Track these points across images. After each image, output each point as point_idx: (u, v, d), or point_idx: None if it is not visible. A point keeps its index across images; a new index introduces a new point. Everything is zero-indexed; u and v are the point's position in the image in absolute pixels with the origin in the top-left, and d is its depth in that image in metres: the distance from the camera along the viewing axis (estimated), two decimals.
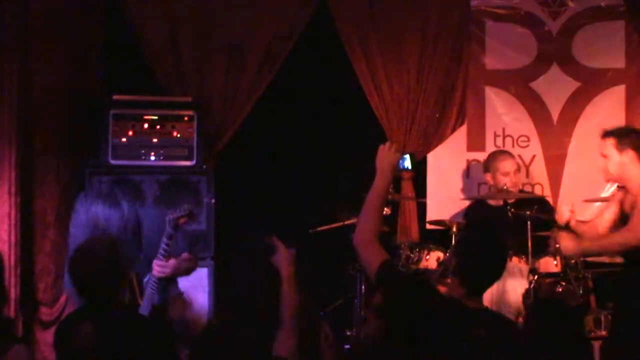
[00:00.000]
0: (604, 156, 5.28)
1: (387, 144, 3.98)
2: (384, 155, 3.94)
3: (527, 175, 7.04)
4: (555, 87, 7.04)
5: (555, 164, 7.02)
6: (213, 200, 6.41)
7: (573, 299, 5.93)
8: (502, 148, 6.98)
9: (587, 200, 6.69)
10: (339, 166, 7.18)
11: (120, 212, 5.22)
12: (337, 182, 7.15)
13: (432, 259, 6.25)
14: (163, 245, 4.92)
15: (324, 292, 6.77)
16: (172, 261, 5.02)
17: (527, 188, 6.96)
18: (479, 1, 7.12)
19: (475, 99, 7.13)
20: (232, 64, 6.96)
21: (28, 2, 6.09)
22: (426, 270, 6.12)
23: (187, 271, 5.25)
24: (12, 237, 5.87)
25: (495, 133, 7.11)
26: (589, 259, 6.04)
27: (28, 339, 6.04)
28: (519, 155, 6.95)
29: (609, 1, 6.99)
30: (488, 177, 6.59)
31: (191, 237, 5.41)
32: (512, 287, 5.94)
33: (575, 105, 7.01)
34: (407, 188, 7.01)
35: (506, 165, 6.49)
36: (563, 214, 5.43)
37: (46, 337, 6.18)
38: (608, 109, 6.97)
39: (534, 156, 7.07)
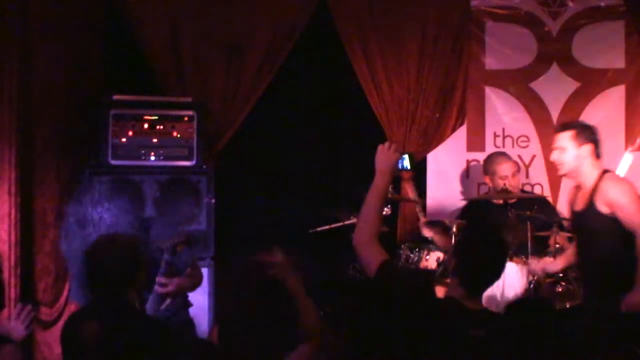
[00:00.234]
0: (561, 149, 5.25)
1: (387, 143, 3.98)
2: (384, 155, 3.94)
3: (527, 176, 7.04)
4: (555, 87, 7.05)
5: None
6: (213, 200, 6.41)
7: (573, 299, 5.93)
8: (502, 148, 6.98)
9: None
10: (339, 166, 7.18)
11: (124, 216, 5.22)
12: (337, 182, 7.15)
13: (432, 259, 6.25)
14: (163, 270, 4.92)
15: (324, 292, 6.77)
16: (175, 280, 5.00)
17: (527, 188, 6.96)
18: (479, 1, 7.12)
19: (475, 99, 7.14)
20: (232, 64, 6.96)
21: (28, 2, 6.08)
22: (426, 269, 6.12)
23: (192, 288, 5.24)
24: (12, 237, 5.86)
25: (495, 133, 7.11)
26: None
27: (28, 339, 6.03)
28: (519, 156, 6.96)
29: (609, 1, 6.99)
30: (487, 179, 6.60)
31: (191, 252, 5.39)
32: (512, 288, 5.94)
33: (575, 105, 7.01)
34: (407, 188, 7.02)
35: (504, 168, 6.48)
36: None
37: (46, 337, 6.18)
38: (608, 109, 6.97)
39: (533, 156, 7.07)
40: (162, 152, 6.41)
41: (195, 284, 5.25)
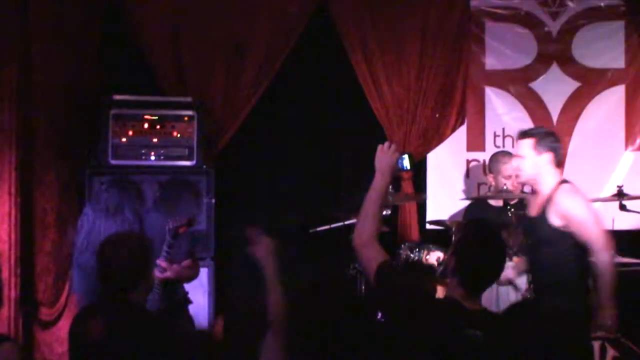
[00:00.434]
0: (520, 156, 5.22)
1: (386, 144, 3.98)
2: (383, 155, 3.94)
3: None
4: (555, 87, 7.05)
5: None
6: (213, 200, 6.42)
7: None
8: (502, 148, 6.97)
9: None
10: (339, 166, 7.18)
11: (124, 224, 5.23)
12: (337, 182, 7.15)
13: (432, 259, 6.25)
14: (164, 253, 4.96)
15: (324, 292, 6.76)
16: (175, 266, 5.05)
17: (527, 188, 6.94)
18: (479, 1, 7.12)
19: (475, 99, 7.14)
20: (232, 64, 6.96)
21: (28, 2, 6.08)
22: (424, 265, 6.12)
23: (189, 279, 5.27)
24: (12, 237, 5.86)
25: (495, 133, 7.11)
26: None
27: (28, 339, 6.04)
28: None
29: (609, 1, 6.99)
30: (490, 177, 6.59)
31: (192, 241, 5.42)
32: (512, 288, 5.94)
33: (575, 105, 7.01)
34: (407, 188, 7.02)
35: (508, 168, 6.47)
36: None
37: (46, 337, 6.18)
38: (608, 109, 6.98)
39: None
40: (162, 152, 6.41)
41: (192, 276, 5.28)
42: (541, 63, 7.07)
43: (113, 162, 6.32)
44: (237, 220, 7.02)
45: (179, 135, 6.45)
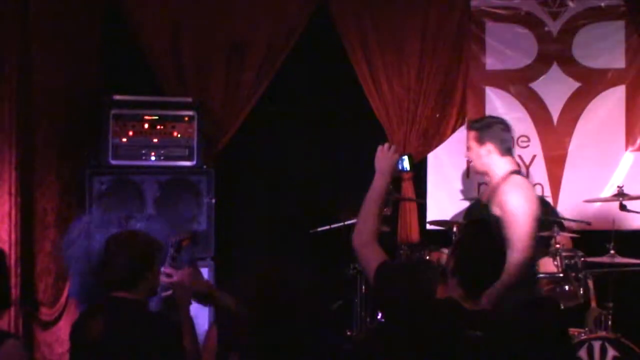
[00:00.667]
0: (468, 147, 5.31)
1: (386, 144, 3.99)
2: (383, 155, 3.95)
3: (527, 176, 7.03)
4: (555, 87, 7.04)
5: (555, 164, 7.02)
6: (213, 200, 6.42)
7: (573, 299, 5.93)
8: None
9: (587, 201, 6.69)
10: (339, 166, 7.18)
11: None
12: (337, 182, 7.15)
13: (432, 260, 6.24)
14: (167, 265, 4.94)
15: (324, 292, 6.77)
16: (180, 271, 5.02)
17: None
18: (479, 1, 7.11)
19: (475, 99, 7.13)
20: (232, 64, 6.96)
21: (28, 2, 6.08)
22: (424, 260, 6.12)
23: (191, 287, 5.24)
24: (12, 237, 5.87)
25: None
26: (590, 259, 6.04)
27: (28, 339, 6.04)
28: (519, 156, 6.94)
29: (609, 1, 6.98)
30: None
31: (193, 249, 5.40)
32: None
33: (575, 105, 7.00)
34: (407, 188, 7.02)
35: None
36: None
37: (46, 337, 6.18)
38: (608, 109, 6.97)
39: (534, 156, 7.06)
40: (162, 152, 6.42)
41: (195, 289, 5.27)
42: (541, 63, 7.06)
43: (113, 162, 6.32)
44: (237, 220, 7.04)
45: (179, 135, 6.45)
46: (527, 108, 7.09)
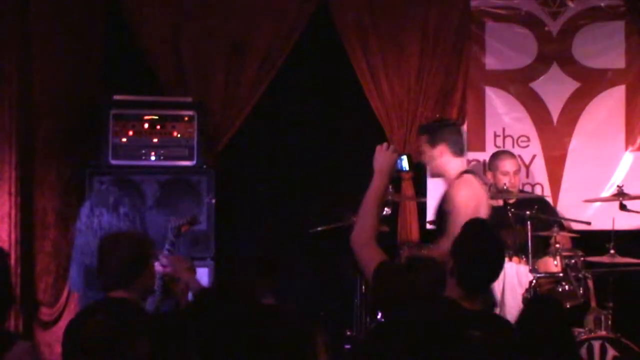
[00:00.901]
0: (421, 153, 5.50)
1: (385, 144, 3.99)
2: (382, 155, 3.95)
3: (527, 175, 7.04)
4: (555, 87, 7.04)
5: (555, 164, 7.02)
6: (213, 200, 6.42)
7: (573, 299, 5.93)
8: (502, 148, 6.98)
9: (587, 201, 6.69)
10: (339, 166, 7.18)
11: (126, 222, 5.23)
12: (337, 182, 7.14)
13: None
14: (165, 252, 4.95)
15: (324, 292, 6.78)
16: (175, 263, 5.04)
17: (527, 188, 6.96)
18: (479, 1, 7.11)
19: (475, 99, 7.13)
20: (233, 64, 6.96)
21: (28, 2, 6.09)
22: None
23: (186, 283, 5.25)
24: (12, 237, 5.88)
25: (495, 133, 7.11)
26: (590, 259, 6.05)
27: (28, 339, 6.04)
28: (519, 156, 6.95)
29: (609, 1, 6.98)
30: (489, 175, 6.62)
31: (192, 241, 5.42)
32: (512, 288, 5.94)
33: (575, 105, 7.00)
34: (407, 188, 7.03)
35: (506, 164, 6.50)
36: None
37: (46, 337, 6.18)
38: (608, 109, 6.97)
39: (534, 156, 7.06)
40: (162, 152, 6.42)
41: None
42: (541, 63, 7.06)
43: (113, 162, 6.32)
44: (237, 220, 7.04)
45: (179, 135, 6.45)
46: (527, 108, 7.09)
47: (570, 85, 7.02)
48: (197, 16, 6.93)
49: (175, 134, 6.45)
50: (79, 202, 6.25)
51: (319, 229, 6.53)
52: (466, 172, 5.39)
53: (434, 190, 7.14)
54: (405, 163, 4.15)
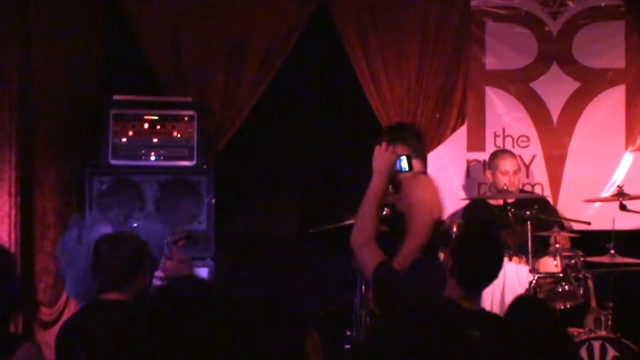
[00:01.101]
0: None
1: (384, 144, 3.99)
2: (381, 155, 3.95)
3: (527, 175, 7.04)
4: (555, 87, 7.03)
5: (555, 164, 7.01)
6: (213, 200, 6.42)
7: (573, 299, 5.93)
8: (502, 148, 6.98)
9: (587, 201, 6.69)
10: (339, 166, 7.18)
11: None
12: (337, 182, 7.14)
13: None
14: (162, 266, 4.94)
15: (324, 292, 6.77)
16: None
17: (527, 188, 6.96)
18: (479, 1, 7.11)
19: (475, 99, 7.13)
20: (233, 63, 6.96)
21: (28, 2, 6.09)
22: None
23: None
24: (12, 237, 5.88)
25: (495, 133, 7.10)
26: (590, 259, 6.05)
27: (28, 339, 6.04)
28: (519, 155, 6.95)
29: (609, 1, 6.98)
30: (489, 174, 6.62)
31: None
32: (512, 288, 5.94)
33: (575, 105, 7.00)
34: None
35: (505, 163, 6.51)
36: None
37: (46, 337, 6.18)
38: (608, 109, 6.97)
39: (534, 156, 7.06)
40: (162, 152, 6.42)
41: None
42: (541, 63, 7.05)
43: (113, 162, 6.32)
44: (237, 220, 7.03)
45: (179, 135, 6.45)
46: (527, 108, 7.08)
47: (570, 85, 7.01)
48: (197, 16, 6.93)
49: (175, 134, 6.45)
50: (79, 202, 6.26)
51: (319, 228, 6.53)
52: (422, 173, 5.32)
53: None
54: (404, 163, 4.15)
